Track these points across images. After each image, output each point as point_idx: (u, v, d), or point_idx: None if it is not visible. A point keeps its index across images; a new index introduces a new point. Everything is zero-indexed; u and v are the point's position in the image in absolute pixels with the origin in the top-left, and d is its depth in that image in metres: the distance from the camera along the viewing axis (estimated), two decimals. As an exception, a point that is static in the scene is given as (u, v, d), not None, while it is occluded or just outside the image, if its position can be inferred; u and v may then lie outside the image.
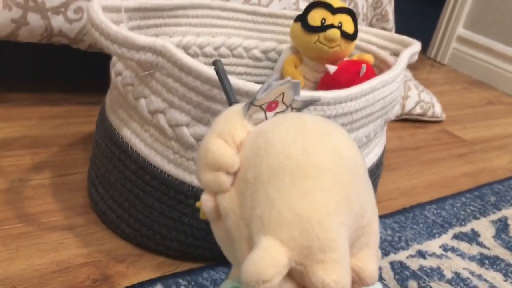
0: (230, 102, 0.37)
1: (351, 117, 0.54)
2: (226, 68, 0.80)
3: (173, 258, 0.58)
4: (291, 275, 0.25)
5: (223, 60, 0.79)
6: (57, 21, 0.75)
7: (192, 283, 0.54)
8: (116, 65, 0.56)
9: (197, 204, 0.31)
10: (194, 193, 0.53)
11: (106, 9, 0.54)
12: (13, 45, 0.81)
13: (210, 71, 0.47)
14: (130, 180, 0.55)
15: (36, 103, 0.86)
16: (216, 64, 0.39)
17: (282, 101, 0.32)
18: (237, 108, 0.31)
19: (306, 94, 0.48)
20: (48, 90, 0.90)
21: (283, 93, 0.31)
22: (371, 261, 0.28)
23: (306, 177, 0.26)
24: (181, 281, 0.54)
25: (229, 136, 0.30)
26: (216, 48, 0.78)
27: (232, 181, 0.29)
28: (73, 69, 1.05)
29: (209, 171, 0.29)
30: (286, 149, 0.27)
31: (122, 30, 0.48)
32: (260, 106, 0.31)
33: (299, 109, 0.33)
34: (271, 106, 0.31)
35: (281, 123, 0.29)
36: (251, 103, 0.30)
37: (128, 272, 0.55)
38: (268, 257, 0.24)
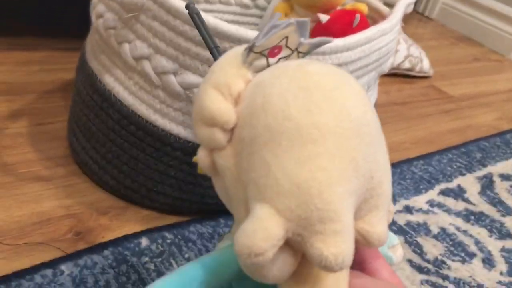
0: (210, 48, 0.34)
1: (346, 68, 0.51)
2: (213, 15, 0.76)
3: (159, 212, 0.56)
4: (289, 243, 0.24)
5: (210, 7, 0.76)
6: (32, -41, 0.70)
7: (179, 236, 0.52)
8: (97, 7, 0.53)
9: (194, 159, 0.29)
10: (181, 144, 0.51)
11: None
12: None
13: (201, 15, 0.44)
14: (113, 130, 0.53)
15: (11, 47, 0.81)
16: (189, 8, 0.36)
17: (286, 45, 0.28)
18: (235, 53, 0.28)
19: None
20: (24, 35, 0.86)
21: (287, 36, 0.28)
22: (379, 223, 0.26)
23: (307, 141, 0.23)
24: (167, 234, 0.52)
25: (225, 87, 0.26)
26: (202, -7, 0.74)
27: (229, 137, 0.27)
28: (50, 12, 0.99)
29: (204, 126, 0.27)
30: (285, 108, 0.24)
31: (104, -33, 0.44)
32: (261, 53, 0.27)
33: (306, 53, 0.29)
34: (273, 51, 0.28)
35: (282, 75, 0.26)
36: (250, 49, 0.27)
37: (112, 225, 0.53)
38: (262, 229, 0.22)
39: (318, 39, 0.30)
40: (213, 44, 0.34)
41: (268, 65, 0.28)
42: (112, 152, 0.54)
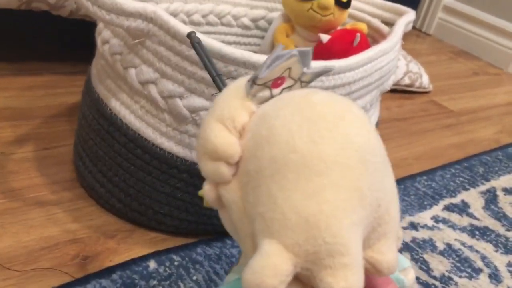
0: (212, 76, 0.34)
1: (349, 88, 0.52)
2: (215, 37, 0.77)
3: (166, 233, 0.56)
4: (298, 278, 0.23)
5: (212, 29, 0.77)
6: (36, -14, 0.71)
7: (186, 258, 0.52)
8: (103, 33, 0.53)
9: (199, 193, 0.29)
10: (187, 167, 0.51)
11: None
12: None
13: (205, 39, 0.45)
14: (119, 154, 0.53)
15: (16, 73, 0.82)
16: (190, 36, 0.36)
17: (289, 76, 0.28)
18: (239, 85, 0.28)
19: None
20: (28, 59, 0.86)
21: (290, 67, 0.28)
22: (388, 251, 0.26)
23: (312, 173, 0.23)
24: (174, 256, 0.52)
25: (229, 120, 0.26)
26: (204, 16, 0.75)
27: (235, 171, 0.27)
28: (54, 37, 1.00)
29: (209, 160, 0.26)
30: (290, 141, 0.24)
31: (110, -5, 0.45)
32: (264, 84, 0.27)
33: (309, 82, 0.30)
34: (276, 82, 0.28)
35: (286, 106, 0.26)
36: (253, 82, 0.27)
37: (119, 248, 0.53)
38: (270, 266, 0.22)
39: (320, 67, 0.31)
40: (215, 72, 0.34)
41: (272, 96, 0.28)
42: (119, 176, 0.54)
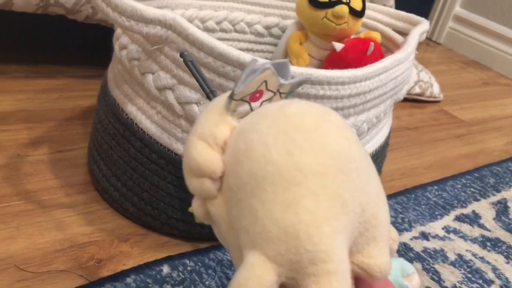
0: (206, 93, 0.35)
1: (364, 97, 0.52)
2: (229, 43, 0.77)
3: (178, 238, 0.57)
4: (284, 287, 0.24)
5: (225, 35, 0.77)
6: (54, -10, 0.72)
7: (199, 264, 0.53)
8: (121, 38, 0.54)
9: (190, 209, 0.29)
10: (202, 172, 0.52)
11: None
12: (7, 15, 0.78)
13: (223, 47, 0.45)
14: (135, 158, 0.54)
15: (30, 76, 0.83)
16: (183, 56, 0.38)
17: (267, 89, 0.28)
18: (219, 101, 0.28)
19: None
20: (42, 63, 0.87)
21: (266, 81, 0.28)
22: (379, 255, 0.26)
23: (290, 184, 0.23)
24: (187, 261, 0.53)
25: (210, 137, 0.27)
26: (218, 23, 0.76)
27: (219, 186, 0.27)
28: (68, 41, 1.01)
29: (194, 177, 0.27)
30: (266, 153, 0.24)
31: (130, 1, 0.46)
32: (242, 99, 0.28)
33: (288, 93, 0.30)
34: (254, 96, 0.28)
35: (262, 120, 0.26)
36: (231, 97, 0.27)
37: (133, 252, 0.54)
38: (253, 277, 0.22)
39: (297, 78, 0.31)
40: (208, 89, 0.35)
41: (252, 110, 0.28)
42: (133, 180, 0.55)
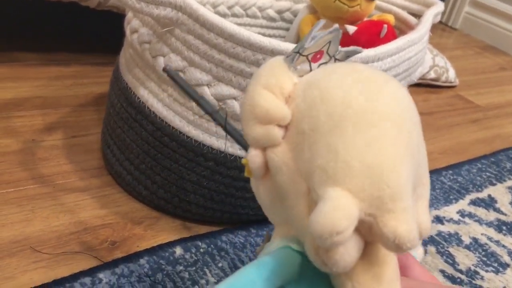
0: (195, 100, 0.37)
1: (376, 78, 0.52)
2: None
3: (191, 221, 0.57)
4: (357, 228, 0.24)
5: (237, 20, 0.77)
6: (66, -23, 0.72)
7: (212, 246, 0.53)
8: (132, 22, 0.54)
9: (243, 161, 0.30)
10: (214, 155, 0.52)
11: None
12: (21, 4, 0.79)
13: (234, 27, 0.45)
14: (147, 142, 0.54)
15: (44, 63, 0.84)
16: (166, 70, 0.40)
17: (327, 52, 0.29)
18: (280, 59, 0.29)
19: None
20: (56, 50, 0.88)
21: (330, 42, 0.29)
22: (425, 213, 0.27)
23: (371, 125, 0.25)
24: (200, 243, 0.53)
25: (277, 87, 0.28)
26: (230, 7, 0.76)
27: (283, 134, 0.28)
28: (81, 28, 1.02)
29: (258, 125, 0.27)
30: (346, 97, 0.25)
31: (140, -17, 0.46)
32: (307, 56, 0.29)
33: (341, 61, 0.31)
34: (316, 56, 0.29)
35: (335, 72, 0.27)
36: (299, 53, 0.28)
37: (146, 235, 0.54)
38: (340, 207, 0.22)
39: (352, 47, 0.32)
40: (197, 96, 0.37)
41: (311, 70, 0.29)
42: (146, 163, 0.55)
